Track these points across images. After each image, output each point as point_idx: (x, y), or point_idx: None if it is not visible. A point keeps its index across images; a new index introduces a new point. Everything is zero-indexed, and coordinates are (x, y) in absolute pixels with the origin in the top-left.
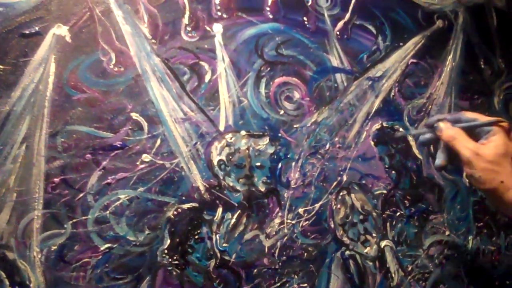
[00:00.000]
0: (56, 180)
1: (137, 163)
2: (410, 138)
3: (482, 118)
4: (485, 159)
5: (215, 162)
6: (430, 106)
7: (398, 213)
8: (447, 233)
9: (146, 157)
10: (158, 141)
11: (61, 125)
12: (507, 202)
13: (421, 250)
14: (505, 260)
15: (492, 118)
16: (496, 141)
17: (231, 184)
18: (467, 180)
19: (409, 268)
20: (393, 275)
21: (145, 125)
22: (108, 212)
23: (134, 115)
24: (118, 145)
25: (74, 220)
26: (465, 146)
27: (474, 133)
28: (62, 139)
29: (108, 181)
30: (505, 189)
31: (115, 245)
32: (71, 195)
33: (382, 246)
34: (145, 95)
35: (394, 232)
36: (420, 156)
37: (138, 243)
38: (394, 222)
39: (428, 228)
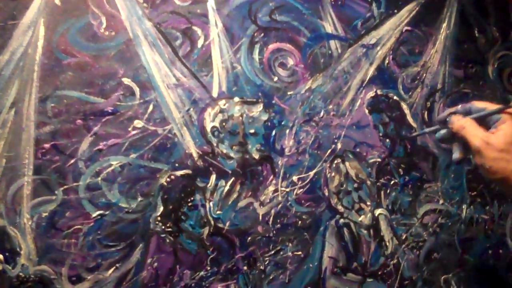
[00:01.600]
0: (46, 145)
1: (129, 129)
2: (404, 106)
3: (491, 107)
4: (496, 148)
5: (208, 129)
6: (424, 74)
7: (392, 182)
8: (441, 202)
9: (138, 123)
10: (151, 107)
11: (51, 90)
12: None
13: (415, 218)
14: (498, 229)
15: (501, 106)
16: (506, 129)
17: (224, 151)
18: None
19: (403, 237)
20: (387, 243)
21: (137, 90)
22: (99, 178)
23: (126, 80)
24: (110, 111)
25: (65, 187)
26: (474, 135)
27: (485, 122)
28: (52, 104)
29: (100, 147)
30: None
31: (107, 212)
32: (61, 161)
33: (376, 215)
34: (136, 60)
35: (389, 200)
36: (414, 125)
37: (130, 210)
38: (388, 191)
39: (422, 197)
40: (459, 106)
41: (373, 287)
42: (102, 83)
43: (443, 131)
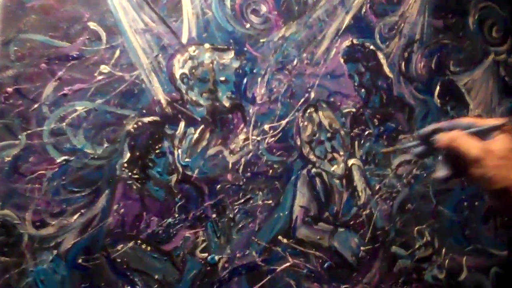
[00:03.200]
0: (9, 89)
1: (95, 74)
2: (380, 56)
3: (480, 122)
4: (497, 155)
5: (177, 76)
6: (402, 24)
7: (366, 132)
8: None
9: (104, 68)
10: (117, 52)
11: (14, 33)
12: None
13: (389, 169)
14: None
15: (494, 121)
16: (504, 137)
17: (194, 98)
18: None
19: (377, 187)
20: (360, 193)
21: (103, 35)
22: (64, 124)
23: (92, 25)
24: (75, 55)
25: (29, 131)
26: (471, 144)
27: (477, 136)
28: (15, 48)
29: (64, 92)
30: None
31: (72, 158)
32: (25, 106)
33: (349, 165)
34: (103, 4)
35: (362, 151)
36: (390, 75)
37: (96, 156)
38: (362, 141)
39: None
40: (444, 123)
41: (345, 237)
42: (67, 27)
43: (422, 147)
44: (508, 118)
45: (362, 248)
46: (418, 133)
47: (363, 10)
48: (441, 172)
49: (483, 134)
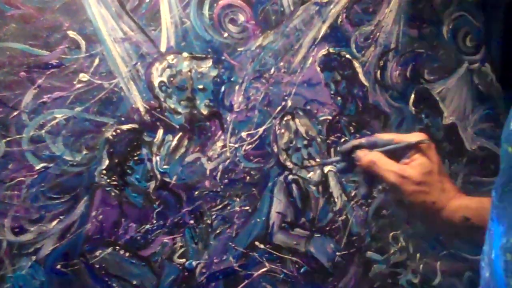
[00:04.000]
0: None
1: (74, 82)
2: (356, 64)
3: (398, 138)
4: (413, 181)
5: (156, 84)
6: (378, 33)
7: (342, 139)
8: None
9: (83, 77)
10: (96, 60)
11: None
12: (442, 223)
13: None
14: None
15: (412, 136)
16: (419, 158)
17: (172, 106)
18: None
19: (352, 194)
20: (336, 200)
21: (82, 43)
22: (43, 131)
23: (71, 33)
24: (54, 64)
25: (8, 139)
26: (388, 170)
27: (394, 153)
28: None
29: (44, 99)
30: (438, 209)
31: (51, 165)
32: (4, 113)
33: (325, 171)
34: (82, 13)
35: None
36: (366, 83)
37: (75, 163)
38: (338, 148)
39: None
40: (363, 139)
41: (321, 242)
42: (46, 35)
43: (344, 164)
44: (425, 135)
45: (338, 253)
46: (339, 149)
47: (340, 19)
48: (362, 189)
49: (400, 151)
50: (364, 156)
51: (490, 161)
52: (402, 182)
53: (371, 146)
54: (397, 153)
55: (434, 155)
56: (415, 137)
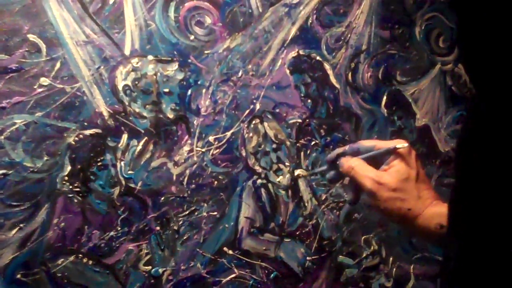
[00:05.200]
0: None
1: (35, 86)
2: (327, 66)
3: (380, 144)
4: (388, 188)
5: (120, 87)
6: (349, 35)
7: (313, 142)
8: None
9: (44, 81)
10: (58, 64)
11: None
12: (418, 229)
13: None
14: None
15: (390, 142)
16: (397, 165)
17: (137, 110)
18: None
19: (323, 197)
20: (306, 204)
21: (43, 47)
22: (2, 137)
23: (31, 37)
24: (14, 68)
25: None
26: (365, 176)
27: (375, 159)
28: None
29: (3, 105)
30: (413, 216)
31: (10, 172)
32: None
33: (295, 175)
34: (43, 16)
35: (309, 161)
36: (337, 85)
37: (36, 170)
38: (308, 151)
39: None
40: (347, 147)
41: (291, 247)
42: (6, 39)
43: (332, 172)
44: (405, 141)
45: (308, 258)
46: (326, 159)
47: (310, 21)
48: (349, 196)
49: (380, 158)
50: (346, 163)
51: None
52: (378, 188)
53: (354, 154)
54: (378, 160)
55: (413, 161)
56: (396, 143)
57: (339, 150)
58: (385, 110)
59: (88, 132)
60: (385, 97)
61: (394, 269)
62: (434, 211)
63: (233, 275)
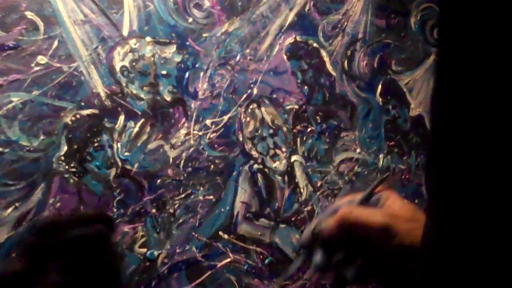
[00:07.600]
0: None
1: (32, 65)
2: (324, 53)
3: (355, 197)
4: (405, 218)
5: (117, 68)
6: (345, 23)
7: (309, 129)
8: (358, 150)
9: (41, 59)
10: (55, 43)
11: None
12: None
13: (331, 166)
14: (415, 179)
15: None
16: (394, 197)
17: (134, 91)
18: None
19: (318, 184)
20: (302, 190)
21: (41, 25)
22: None
23: (29, 14)
24: (11, 45)
25: None
26: (370, 213)
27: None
28: None
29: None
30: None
31: (6, 150)
32: None
33: (291, 161)
34: None
35: (305, 147)
36: (333, 73)
37: (32, 149)
38: (304, 138)
39: (339, 145)
40: (321, 214)
41: (286, 233)
42: (3, 16)
43: (318, 255)
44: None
45: None
46: (299, 244)
47: (307, 7)
48: (318, 257)
49: (369, 199)
50: (332, 219)
51: None
52: (394, 221)
53: (331, 215)
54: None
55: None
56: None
57: (309, 227)
58: (380, 99)
59: (85, 112)
60: (380, 86)
61: None
62: None
63: (228, 260)
